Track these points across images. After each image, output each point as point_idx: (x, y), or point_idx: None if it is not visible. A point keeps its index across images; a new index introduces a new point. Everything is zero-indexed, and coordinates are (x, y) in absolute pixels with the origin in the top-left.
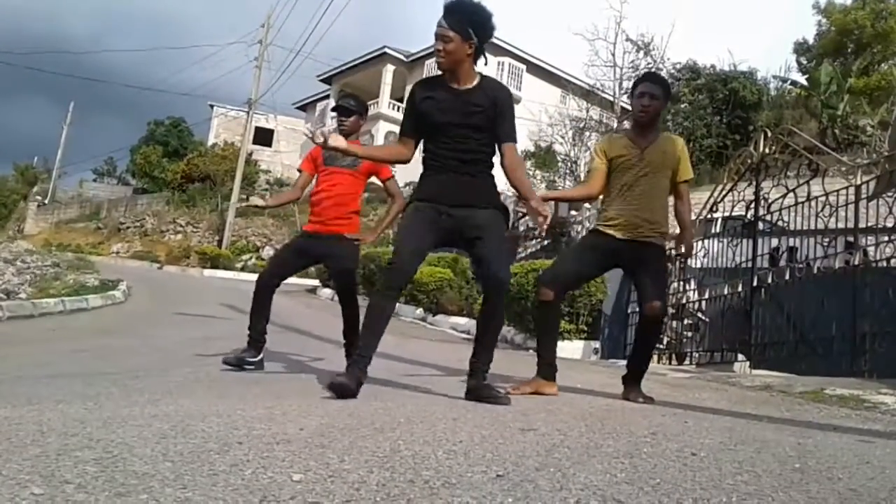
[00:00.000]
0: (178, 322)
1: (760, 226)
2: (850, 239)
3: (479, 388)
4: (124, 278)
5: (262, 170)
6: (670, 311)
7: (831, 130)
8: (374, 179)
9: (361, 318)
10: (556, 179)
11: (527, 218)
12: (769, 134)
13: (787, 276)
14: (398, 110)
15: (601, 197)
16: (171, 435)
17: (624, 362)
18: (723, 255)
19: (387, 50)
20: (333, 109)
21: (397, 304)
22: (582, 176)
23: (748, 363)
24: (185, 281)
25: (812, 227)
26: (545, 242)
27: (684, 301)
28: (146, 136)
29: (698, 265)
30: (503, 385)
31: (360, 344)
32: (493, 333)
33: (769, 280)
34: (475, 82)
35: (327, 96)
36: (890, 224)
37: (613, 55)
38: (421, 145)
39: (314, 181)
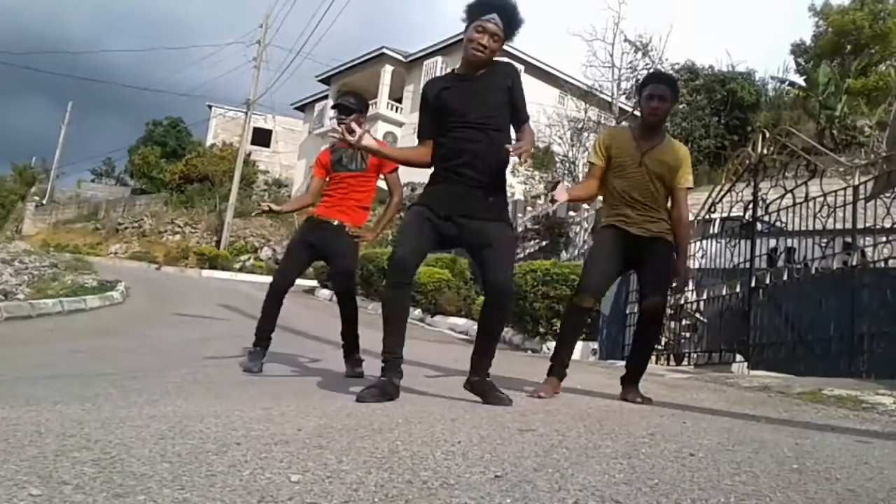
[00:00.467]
0: (177, 323)
1: (758, 226)
2: (848, 240)
3: (482, 386)
4: (122, 279)
5: (260, 170)
6: (668, 311)
7: (829, 131)
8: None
9: (361, 318)
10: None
11: (526, 218)
12: (767, 135)
13: (785, 277)
14: (397, 111)
15: (600, 197)
16: (169, 436)
17: (622, 363)
18: (721, 255)
19: (385, 50)
20: (333, 107)
21: None
22: (580, 177)
23: (746, 364)
24: (184, 282)
25: (810, 227)
26: (544, 243)
27: (682, 302)
28: (144, 136)
29: (696, 266)
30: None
31: (385, 346)
32: (495, 339)
33: (767, 281)
34: (490, 72)
35: (326, 97)
36: (888, 225)
37: (612, 56)
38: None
39: (331, 186)
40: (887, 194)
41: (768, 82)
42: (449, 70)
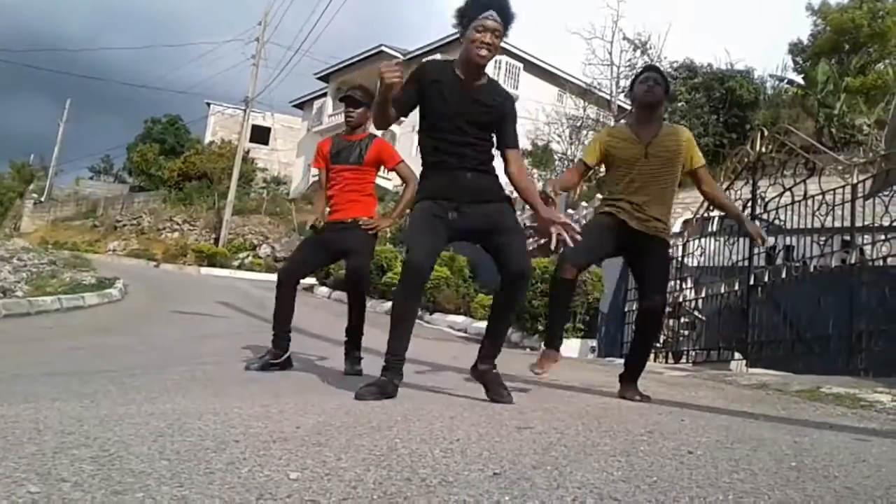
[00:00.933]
0: (175, 320)
1: (757, 224)
2: (847, 238)
3: (489, 376)
4: (121, 276)
5: (259, 168)
6: (667, 309)
7: (828, 129)
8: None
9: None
10: (554, 178)
11: (525, 217)
12: (766, 133)
13: (783, 275)
14: None
15: (599, 195)
16: (167, 433)
17: (621, 361)
18: (719, 253)
19: (384, 48)
20: (341, 100)
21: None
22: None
23: (745, 362)
24: (182, 279)
25: (808, 225)
26: (542, 241)
27: (681, 299)
28: (143, 133)
29: (695, 264)
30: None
31: (390, 348)
32: (508, 322)
33: (766, 279)
34: (484, 80)
35: (324, 94)
36: (886, 223)
37: (610, 54)
38: (416, 140)
39: (328, 178)
40: (886, 192)
41: (767, 80)
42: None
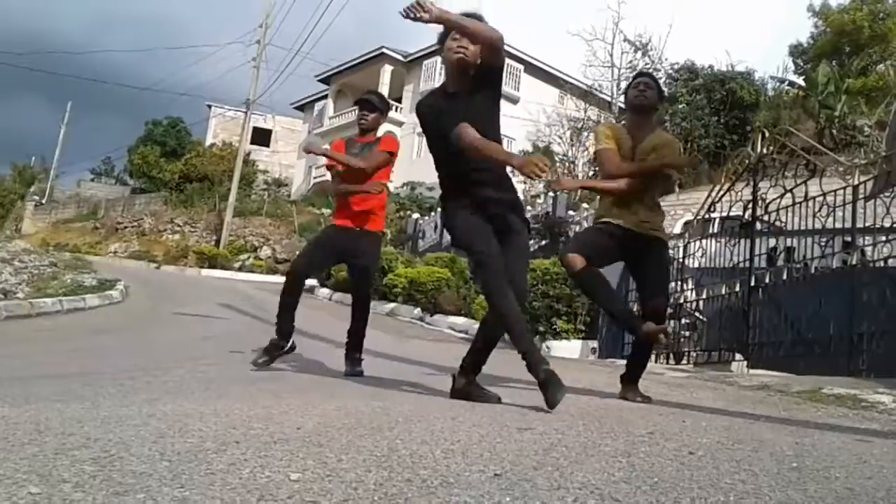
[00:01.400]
0: (176, 322)
1: (758, 226)
2: (848, 239)
3: (466, 391)
4: (122, 278)
5: (259, 170)
6: (668, 310)
7: (829, 131)
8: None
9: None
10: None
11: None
12: (767, 134)
13: (784, 276)
14: (396, 110)
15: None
16: (168, 434)
17: (622, 362)
18: (720, 255)
19: (384, 50)
20: (356, 103)
21: (395, 304)
22: (580, 175)
23: (746, 363)
24: (183, 280)
25: (809, 227)
26: (543, 242)
27: (682, 301)
28: (144, 135)
29: (696, 265)
30: (501, 387)
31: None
32: (496, 341)
33: (767, 280)
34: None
35: (325, 96)
36: (887, 224)
37: (611, 56)
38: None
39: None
40: (887, 193)
41: (768, 82)
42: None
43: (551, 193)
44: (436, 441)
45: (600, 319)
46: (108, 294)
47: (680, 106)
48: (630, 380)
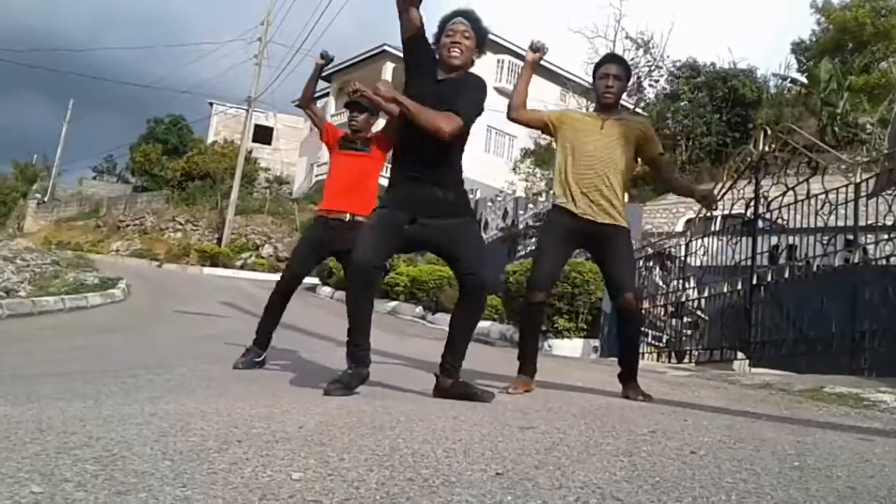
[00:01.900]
0: (178, 320)
1: (760, 224)
2: (850, 237)
3: (458, 388)
4: (124, 276)
5: (261, 167)
6: (670, 309)
7: (831, 128)
8: None
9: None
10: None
11: (527, 216)
12: (769, 132)
13: (786, 275)
14: None
15: (557, 169)
16: (170, 433)
17: None
18: (722, 253)
19: (386, 48)
20: (346, 106)
21: (396, 303)
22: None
23: (747, 361)
24: (185, 279)
25: (811, 225)
26: None
27: (684, 299)
28: (146, 133)
29: (698, 263)
30: (499, 385)
31: (355, 342)
32: (470, 332)
33: (769, 278)
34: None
35: (327, 94)
36: (889, 222)
37: None
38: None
39: (329, 167)
40: (889, 191)
41: (770, 79)
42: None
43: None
44: (437, 440)
45: (602, 318)
46: (110, 292)
47: (682, 103)
48: (628, 378)
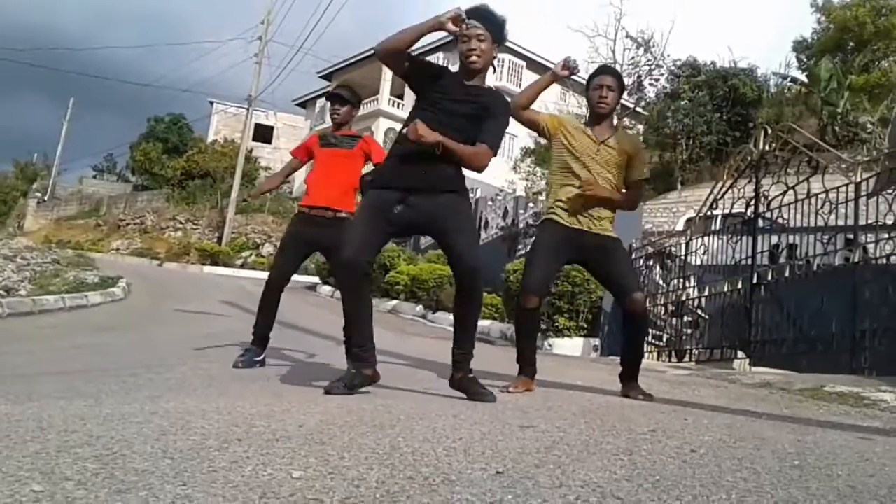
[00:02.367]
0: (179, 319)
1: (760, 223)
2: (850, 236)
3: (465, 382)
4: (124, 275)
5: (262, 166)
6: (670, 308)
7: (831, 127)
8: None
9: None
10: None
11: (527, 215)
12: (769, 131)
13: (786, 274)
14: (398, 107)
15: (550, 180)
16: (170, 432)
17: None
18: (723, 252)
19: None
20: (328, 98)
21: (397, 302)
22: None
23: (748, 360)
24: (185, 278)
25: (812, 224)
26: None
27: (684, 298)
28: (146, 132)
29: (698, 262)
30: (499, 384)
31: (355, 342)
32: (474, 320)
33: (769, 277)
34: (484, 87)
35: (327, 93)
36: (890, 221)
37: (613, 52)
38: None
39: (310, 165)
40: (889, 191)
41: (770, 78)
42: (450, 66)
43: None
44: (438, 439)
45: (602, 317)
46: (111, 291)
47: (682, 102)
48: (629, 377)
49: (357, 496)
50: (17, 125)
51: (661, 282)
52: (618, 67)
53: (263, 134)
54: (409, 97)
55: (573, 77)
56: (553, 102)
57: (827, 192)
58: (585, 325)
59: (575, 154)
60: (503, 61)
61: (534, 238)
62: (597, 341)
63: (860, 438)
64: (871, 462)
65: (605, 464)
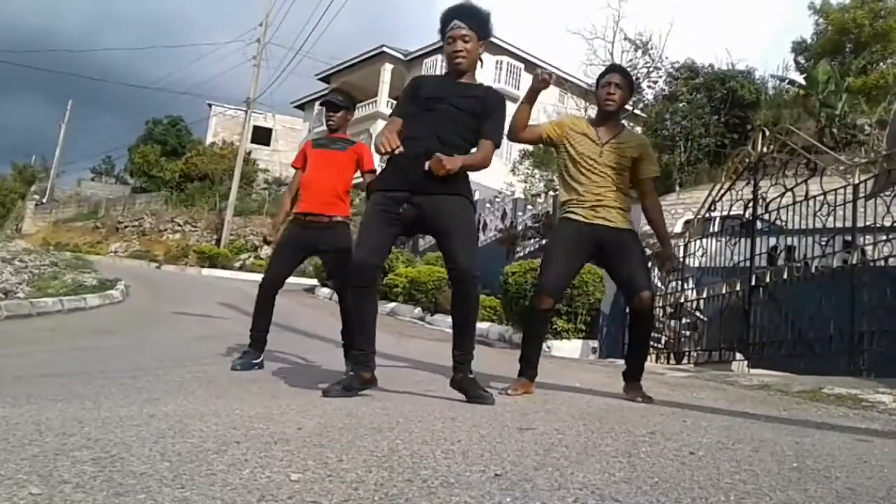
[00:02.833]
0: (177, 321)
1: (758, 225)
2: (848, 238)
3: (465, 383)
4: (122, 277)
5: (260, 169)
6: (668, 310)
7: (829, 129)
8: None
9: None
10: (555, 178)
11: (526, 217)
12: (767, 133)
13: (785, 276)
14: None
15: (561, 178)
16: (169, 434)
17: (622, 361)
18: (721, 254)
19: (385, 49)
20: (322, 104)
21: (395, 304)
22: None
23: (746, 362)
24: (184, 280)
25: (810, 226)
26: (543, 241)
27: (683, 300)
28: (144, 134)
29: (696, 264)
30: (497, 386)
31: (356, 345)
32: (471, 323)
33: (767, 279)
34: (475, 83)
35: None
36: (888, 223)
37: (611, 54)
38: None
39: (306, 167)
40: (887, 193)
41: (768, 80)
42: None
43: (552, 193)
44: (436, 441)
45: (601, 319)
46: (109, 294)
47: (680, 104)
48: (632, 378)
49: (355, 499)
50: (16, 127)
51: (659, 284)
52: None
53: (262, 136)
54: None
55: (569, 80)
56: (552, 105)
57: (825, 194)
58: (584, 327)
59: (577, 160)
60: (501, 63)
61: (550, 238)
62: (595, 343)
63: (858, 440)
64: (869, 464)
65: (604, 466)
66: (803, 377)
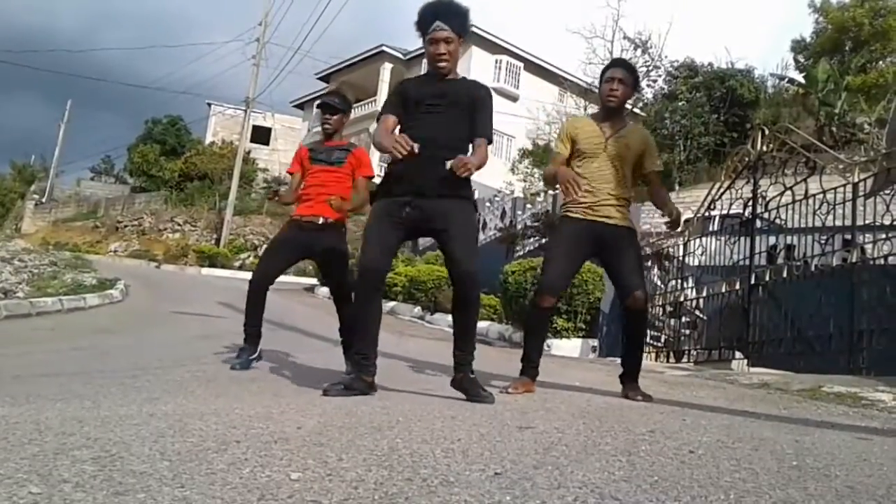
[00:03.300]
0: (177, 321)
1: (758, 223)
2: (848, 236)
3: (466, 382)
4: (122, 277)
5: (259, 168)
6: (668, 308)
7: (828, 128)
8: None
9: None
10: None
11: (525, 216)
12: (766, 132)
13: (784, 274)
14: None
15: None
16: (168, 434)
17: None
18: (720, 252)
19: (384, 48)
20: (318, 107)
21: (395, 303)
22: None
23: (746, 361)
24: (183, 280)
25: (809, 224)
26: (543, 241)
27: (682, 299)
28: (144, 134)
29: (696, 263)
30: (497, 385)
31: (358, 349)
32: (472, 324)
33: (767, 278)
34: (458, 77)
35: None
36: (887, 221)
37: (611, 53)
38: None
39: (304, 181)
40: (887, 191)
41: (768, 79)
42: None
43: (551, 192)
44: (436, 440)
45: (600, 318)
46: (109, 293)
47: (680, 103)
48: (630, 378)
49: (355, 498)
50: (15, 127)
51: (658, 282)
52: None
53: (261, 136)
54: None
55: (569, 77)
56: (551, 104)
57: (824, 192)
58: (583, 326)
59: (581, 153)
60: (500, 62)
61: (551, 237)
62: (595, 342)
63: (858, 438)
64: (869, 462)
65: (604, 465)
66: (803, 375)
